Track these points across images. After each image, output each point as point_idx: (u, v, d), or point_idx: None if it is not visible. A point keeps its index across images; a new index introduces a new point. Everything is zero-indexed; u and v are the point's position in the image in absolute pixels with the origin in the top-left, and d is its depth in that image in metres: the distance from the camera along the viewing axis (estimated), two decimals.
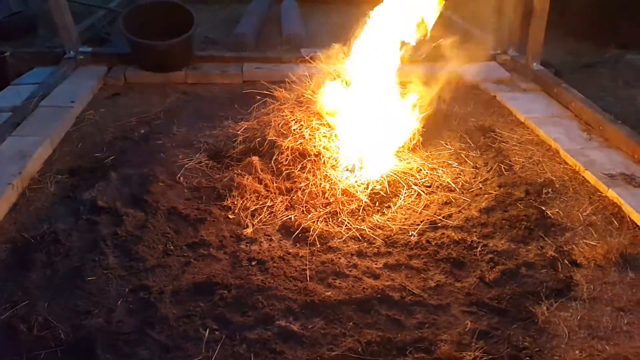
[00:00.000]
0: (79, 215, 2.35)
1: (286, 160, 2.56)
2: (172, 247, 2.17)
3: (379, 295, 1.91)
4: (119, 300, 1.89)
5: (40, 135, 2.95)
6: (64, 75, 3.80)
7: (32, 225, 2.31)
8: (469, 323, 1.78)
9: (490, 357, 1.65)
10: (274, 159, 2.58)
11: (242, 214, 2.35)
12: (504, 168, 2.75)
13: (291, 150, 2.58)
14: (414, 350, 1.68)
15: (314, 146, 2.58)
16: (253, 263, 2.08)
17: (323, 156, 2.56)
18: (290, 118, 2.68)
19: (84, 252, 2.13)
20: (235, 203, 2.41)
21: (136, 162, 2.78)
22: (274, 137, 2.63)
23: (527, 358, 1.67)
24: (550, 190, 2.56)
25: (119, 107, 3.54)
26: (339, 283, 1.97)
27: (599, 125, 3.05)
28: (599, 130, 3.05)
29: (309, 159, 2.56)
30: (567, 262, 2.08)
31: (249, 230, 2.27)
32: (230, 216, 2.36)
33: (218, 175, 2.64)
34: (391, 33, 2.69)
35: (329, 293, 1.92)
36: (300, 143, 2.60)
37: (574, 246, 2.18)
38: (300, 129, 2.64)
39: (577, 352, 1.70)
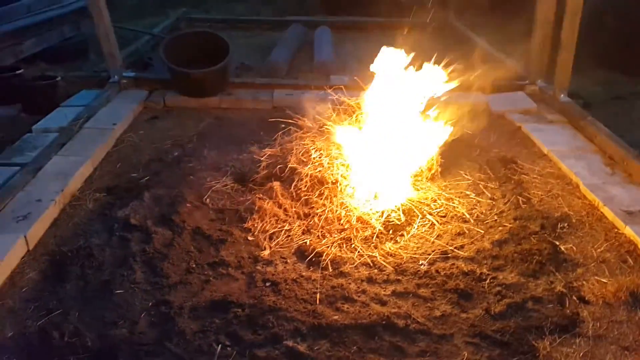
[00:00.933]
0: (113, 232, 2.55)
1: (305, 186, 2.69)
2: (194, 266, 2.32)
3: (384, 322, 1.98)
4: (142, 314, 2.04)
5: (82, 155, 3.21)
6: (107, 98, 4.10)
7: (70, 239, 2.52)
8: (470, 354, 1.83)
9: None
10: (293, 185, 2.71)
11: (260, 236, 2.48)
12: (522, 201, 2.77)
13: (310, 177, 2.70)
14: None
15: (332, 174, 2.70)
16: (267, 284, 2.20)
17: (340, 184, 2.67)
18: (311, 147, 2.82)
19: (114, 266, 2.31)
20: (255, 225, 2.55)
21: (168, 184, 2.97)
22: (295, 164, 2.77)
23: None
24: (566, 224, 2.57)
25: (156, 129, 3.78)
26: (347, 307, 2.06)
27: (623, 161, 3.03)
28: (622, 165, 3.03)
29: (326, 186, 2.68)
30: (575, 299, 2.09)
31: (266, 252, 2.39)
32: (250, 238, 2.49)
33: (241, 198, 2.79)
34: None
35: (336, 317, 2.01)
36: (320, 171, 2.72)
37: (584, 282, 2.18)
38: (320, 157, 2.76)
39: None
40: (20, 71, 4.13)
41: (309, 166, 2.73)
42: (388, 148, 2.77)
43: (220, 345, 1.88)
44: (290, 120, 3.09)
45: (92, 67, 5.02)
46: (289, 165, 2.78)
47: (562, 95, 3.82)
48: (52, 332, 1.96)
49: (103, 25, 4.08)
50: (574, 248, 2.40)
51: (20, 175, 2.93)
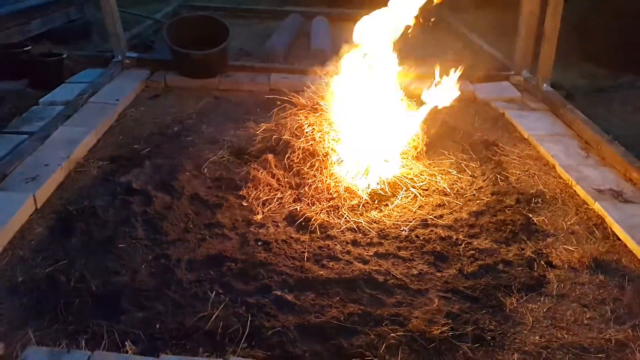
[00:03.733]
0: (116, 195, 2.71)
1: (297, 158, 2.85)
2: (191, 226, 2.49)
3: (365, 277, 2.16)
4: (143, 265, 2.21)
5: (87, 126, 3.36)
6: (111, 76, 4.25)
7: (75, 200, 2.68)
8: (442, 305, 2.01)
9: (455, 333, 1.87)
10: (286, 156, 2.88)
11: (254, 203, 2.65)
12: (500, 178, 2.95)
13: (302, 150, 2.87)
14: (389, 323, 1.92)
15: (323, 147, 2.87)
16: (259, 243, 2.37)
17: (330, 157, 2.84)
18: (304, 122, 2.99)
19: (117, 224, 2.47)
20: (250, 193, 2.72)
21: (168, 155, 3.13)
22: (289, 138, 2.94)
23: (490, 338, 1.88)
24: (540, 200, 2.75)
25: (158, 106, 3.94)
26: (332, 265, 2.24)
27: (597, 145, 3.22)
28: (597, 149, 3.22)
29: (317, 158, 2.85)
30: (543, 263, 2.28)
31: (259, 216, 2.56)
32: (244, 204, 2.66)
33: (237, 169, 2.96)
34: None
35: (322, 272, 2.19)
36: (311, 144, 2.89)
37: (552, 250, 2.37)
38: (312, 132, 2.93)
39: (537, 337, 1.90)
40: (28, 47, 4.26)
41: (301, 139, 2.90)
42: (377, 125, 2.94)
43: (214, 293, 2.06)
44: (285, 98, 3.26)
45: (95, 48, 5.16)
46: (283, 139, 2.95)
47: (544, 85, 4.00)
48: (59, 278, 2.12)
49: (109, 6, 4.22)
50: (546, 220, 2.59)
51: (29, 142, 3.08)
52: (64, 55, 4.24)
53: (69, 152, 3.03)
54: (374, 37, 3.05)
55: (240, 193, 2.73)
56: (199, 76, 4.31)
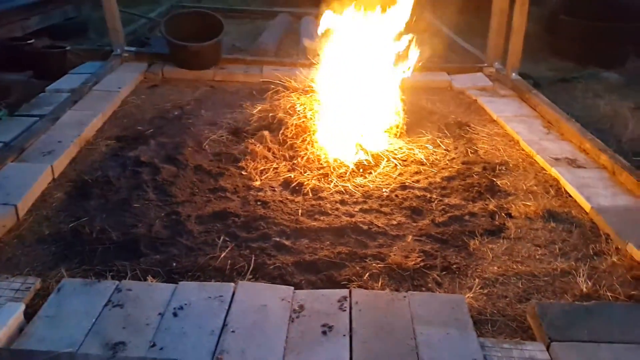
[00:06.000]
0: (126, 167, 3.01)
1: (291, 134, 3.19)
2: (197, 190, 2.80)
3: (352, 227, 2.49)
4: (157, 220, 2.51)
5: (93, 110, 3.65)
6: (111, 68, 4.53)
7: (89, 172, 2.96)
8: (416, 246, 2.35)
9: (427, 264, 2.22)
10: (281, 133, 3.21)
11: (253, 172, 2.97)
12: (470, 151, 3.32)
13: (295, 126, 3.21)
14: (372, 258, 2.26)
15: (314, 124, 3.20)
16: (258, 203, 2.69)
17: (320, 132, 3.18)
18: (296, 102, 3.32)
19: (130, 190, 2.77)
20: (248, 164, 3.03)
21: (170, 134, 3.44)
22: (282, 116, 3.27)
23: (456, 268, 2.23)
24: (504, 168, 3.12)
25: (157, 95, 4.24)
26: (323, 218, 2.57)
27: (557, 123, 3.62)
28: (557, 127, 3.61)
29: (309, 133, 3.18)
30: (503, 214, 2.64)
31: (257, 183, 2.88)
32: (243, 173, 2.98)
33: (236, 146, 3.28)
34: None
35: (314, 224, 2.51)
36: (303, 121, 3.23)
37: (512, 205, 2.73)
38: (304, 110, 3.27)
39: (495, 268, 2.25)
40: (31, 41, 4.53)
41: (294, 117, 3.24)
42: (364, 106, 3.28)
43: (221, 239, 2.37)
44: (278, 82, 3.59)
45: (93, 43, 5.43)
46: (277, 117, 3.28)
47: (513, 74, 4.41)
48: (83, 231, 2.41)
49: (109, 3, 4.51)
50: (508, 183, 2.95)
51: (41, 123, 3.36)
52: (67, 48, 4.51)
53: (79, 131, 3.32)
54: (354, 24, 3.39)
55: (240, 164, 3.05)
56: (195, 68, 4.62)
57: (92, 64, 4.65)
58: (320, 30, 3.38)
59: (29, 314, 1.87)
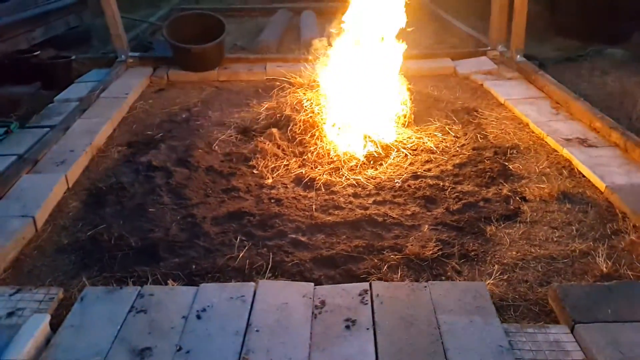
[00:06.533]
0: (139, 172, 3.03)
1: (299, 130, 3.19)
2: (210, 192, 2.81)
3: (367, 219, 2.50)
4: (173, 223, 2.53)
5: (103, 117, 3.68)
6: (117, 74, 4.56)
7: (103, 179, 2.99)
8: (433, 235, 2.36)
9: (445, 253, 2.22)
10: (289, 129, 3.22)
11: (264, 170, 2.98)
12: (480, 137, 3.31)
13: (303, 122, 3.21)
14: (389, 250, 2.26)
15: (322, 118, 3.21)
16: (272, 201, 2.70)
17: (329, 126, 3.17)
18: (303, 98, 3.32)
19: (144, 195, 2.79)
20: (259, 163, 3.05)
21: (180, 137, 3.46)
22: (290, 113, 3.27)
23: (474, 255, 2.23)
24: (515, 151, 3.11)
25: (164, 98, 4.26)
26: (337, 212, 2.57)
27: (566, 103, 3.59)
28: (565, 107, 3.58)
29: (317, 129, 3.18)
30: (518, 198, 2.63)
31: (269, 181, 2.90)
32: (255, 172, 2.99)
33: (245, 145, 3.29)
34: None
35: (329, 218, 2.52)
36: (311, 117, 3.23)
37: (526, 188, 2.72)
38: (311, 106, 3.27)
39: (514, 253, 2.25)
40: (37, 53, 4.56)
41: (301, 113, 3.24)
42: (371, 97, 3.27)
43: (238, 239, 2.39)
44: (284, 79, 3.59)
45: (96, 52, 5.46)
46: (285, 114, 3.29)
47: (518, 56, 4.37)
48: (101, 238, 2.44)
49: (110, 9, 4.53)
50: (520, 167, 2.94)
51: (52, 133, 3.39)
52: (73, 57, 4.54)
53: (90, 139, 3.35)
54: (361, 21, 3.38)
55: (250, 163, 3.06)
56: (199, 69, 4.63)
57: (98, 72, 4.68)
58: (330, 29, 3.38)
59: (54, 324, 1.90)
